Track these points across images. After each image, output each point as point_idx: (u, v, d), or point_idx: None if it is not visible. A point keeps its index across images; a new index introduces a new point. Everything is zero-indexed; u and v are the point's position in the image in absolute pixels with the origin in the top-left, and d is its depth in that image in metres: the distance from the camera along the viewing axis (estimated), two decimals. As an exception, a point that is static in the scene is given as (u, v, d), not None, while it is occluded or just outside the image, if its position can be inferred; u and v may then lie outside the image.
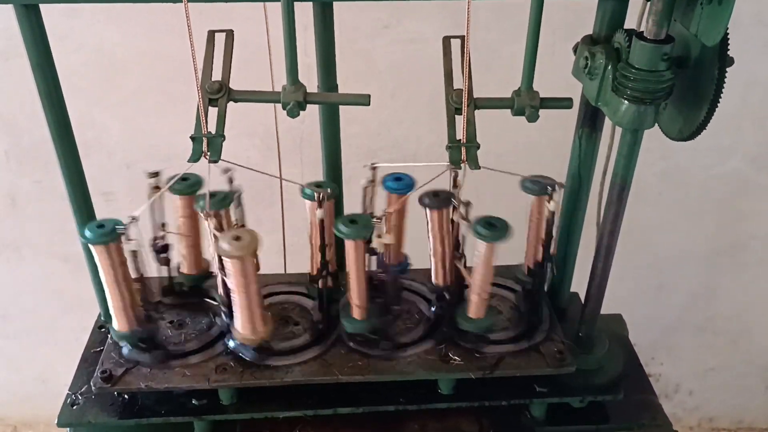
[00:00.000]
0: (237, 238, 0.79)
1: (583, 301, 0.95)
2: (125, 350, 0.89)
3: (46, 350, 1.84)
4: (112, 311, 0.86)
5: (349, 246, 0.84)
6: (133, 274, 0.86)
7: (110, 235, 0.80)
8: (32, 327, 1.82)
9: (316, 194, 0.86)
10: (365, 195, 0.89)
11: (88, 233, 0.80)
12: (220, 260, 0.83)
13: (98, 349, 0.95)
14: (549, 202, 0.87)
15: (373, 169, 0.87)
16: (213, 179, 0.87)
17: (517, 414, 0.95)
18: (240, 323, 0.86)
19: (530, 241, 0.95)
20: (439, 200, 0.89)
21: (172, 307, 0.97)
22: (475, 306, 0.89)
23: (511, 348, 0.92)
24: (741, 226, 1.67)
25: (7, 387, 1.96)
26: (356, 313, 0.88)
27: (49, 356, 1.84)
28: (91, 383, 0.86)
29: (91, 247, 0.81)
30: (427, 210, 0.90)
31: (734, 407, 2.06)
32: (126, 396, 0.90)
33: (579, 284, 1.03)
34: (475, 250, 0.85)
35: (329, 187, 0.90)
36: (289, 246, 1.17)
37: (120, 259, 0.83)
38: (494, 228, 0.83)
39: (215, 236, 0.83)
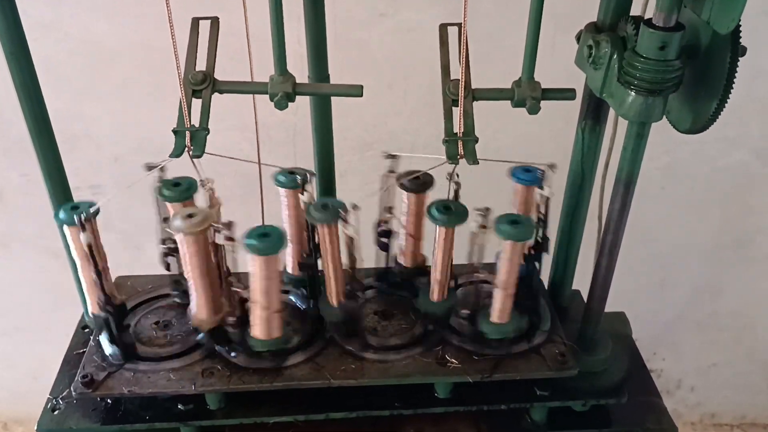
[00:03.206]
0: (190, 216, 0.76)
1: (585, 299, 0.91)
2: (109, 352, 0.85)
3: (36, 347, 1.80)
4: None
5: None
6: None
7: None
8: (22, 323, 1.80)
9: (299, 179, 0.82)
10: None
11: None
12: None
13: (81, 350, 0.92)
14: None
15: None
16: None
17: (517, 418, 0.92)
18: (195, 305, 0.83)
19: None
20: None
21: (157, 308, 0.93)
22: (438, 289, 0.86)
23: (511, 350, 0.88)
24: (747, 220, 1.64)
25: (-2, 384, 1.93)
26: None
27: (40, 353, 1.80)
28: (72, 388, 0.82)
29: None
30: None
31: (737, 403, 2.03)
32: (109, 401, 0.86)
33: (580, 281, 0.99)
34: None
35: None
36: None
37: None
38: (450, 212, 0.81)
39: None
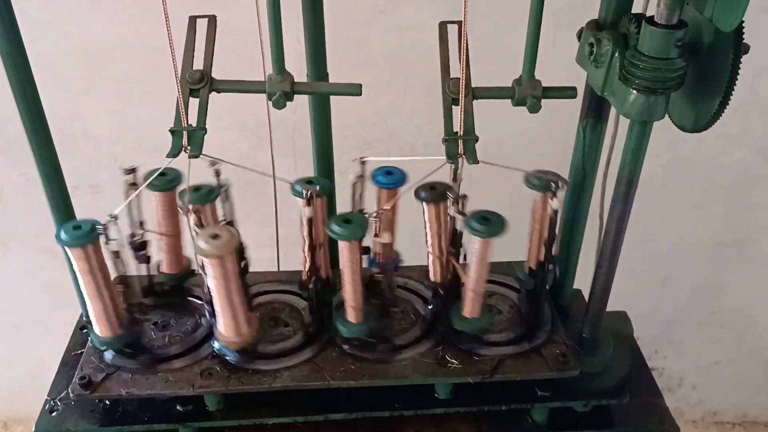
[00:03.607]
0: (215, 237, 0.75)
1: (586, 298, 0.91)
2: (108, 355, 0.85)
3: (35, 346, 1.80)
4: (92, 316, 0.82)
5: (344, 247, 0.79)
6: (114, 274, 0.82)
7: (88, 236, 0.76)
8: (21, 322, 1.79)
9: (304, 191, 0.81)
10: (354, 191, 0.84)
11: (63, 235, 0.76)
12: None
13: (79, 351, 0.91)
14: (552, 199, 0.82)
15: (363, 163, 0.82)
16: (202, 173, 0.84)
17: (517, 419, 0.92)
18: (222, 325, 0.81)
19: (533, 240, 0.90)
20: (435, 194, 0.85)
21: (154, 308, 0.93)
22: (469, 304, 0.85)
23: (512, 350, 0.88)
24: (748, 219, 1.63)
25: (-2, 383, 1.93)
26: (352, 316, 0.84)
27: (39, 352, 1.80)
28: (70, 390, 0.81)
29: (67, 249, 0.77)
30: (424, 204, 0.86)
31: (738, 401, 2.03)
32: (107, 402, 0.86)
33: (581, 280, 0.99)
34: (470, 246, 0.81)
35: (319, 184, 0.84)
36: (282, 238, 1.13)
37: (99, 261, 0.79)
38: (489, 223, 0.78)
39: (195, 233, 0.78)
